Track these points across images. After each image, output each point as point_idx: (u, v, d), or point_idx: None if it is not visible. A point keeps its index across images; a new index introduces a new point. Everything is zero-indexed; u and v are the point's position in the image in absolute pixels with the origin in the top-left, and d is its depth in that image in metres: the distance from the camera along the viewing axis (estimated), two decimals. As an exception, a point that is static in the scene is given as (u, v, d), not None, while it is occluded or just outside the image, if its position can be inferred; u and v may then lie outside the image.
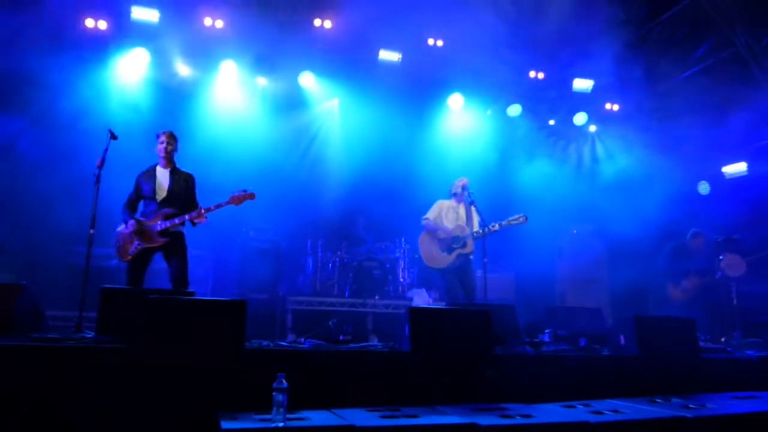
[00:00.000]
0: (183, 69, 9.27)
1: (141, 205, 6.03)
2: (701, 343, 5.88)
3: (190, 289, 5.56)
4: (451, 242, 7.20)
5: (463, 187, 7.36)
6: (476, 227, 7.23)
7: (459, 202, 7.45)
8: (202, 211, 5.80)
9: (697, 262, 8.49)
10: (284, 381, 3.22)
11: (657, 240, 9.01)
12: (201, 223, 5.90)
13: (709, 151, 9.55)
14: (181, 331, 4.02)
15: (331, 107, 10.42)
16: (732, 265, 8.18)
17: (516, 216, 7.07)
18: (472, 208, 7.32)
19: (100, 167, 5.47)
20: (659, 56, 9.37)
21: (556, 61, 9.71)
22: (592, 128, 11.06)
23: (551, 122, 11.00)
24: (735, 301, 8.18)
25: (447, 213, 7.39)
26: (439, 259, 7.25)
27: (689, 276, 8.34)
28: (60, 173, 7.86)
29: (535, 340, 5.71)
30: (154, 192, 5.89)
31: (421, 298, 8.93)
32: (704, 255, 8.55)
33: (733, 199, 9.50)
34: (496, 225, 7.02)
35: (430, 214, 7.40)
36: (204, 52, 9.06)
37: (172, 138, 6.06)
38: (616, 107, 10.73)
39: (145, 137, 6.63)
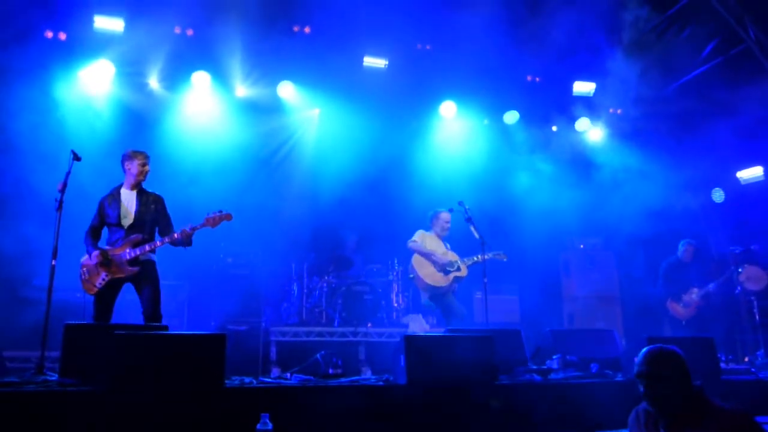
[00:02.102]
0: (151, 81, 9.26)
1: (106, 232, 5.98)
2: (722, 364, 5.89)
3: (164, 323, 5.52)
4: (445, 265, 7.51)
5: (446, 223, 7.71)
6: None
7: (438, 239, 7.77)
8: (186, 231, 5.74)
9: (693, 272, 8.58)
10: (269, 422, 3.19)
11: (670, 252, 9.03)
12: (183, 244, 5.83)
13: (722, 156, 9.61)
14: (154, 369, 3.98)
15: (313, 119, 10.42)
16: (752, 278, 8.24)
17: (497, 252, 7.57)
18: (448, 245, 7.77)
19: (62, 191, 5.43)
20: (665, 56, 9.46)
21: (555, 63, 9.78)
22: (596, 134, 11.12)
23: (554, 128, 11.06)
24: (757, 317, 8.23)
25: (429, 246, 7.65)
26: (438, 278, 7.52)
27: (688, 290, 8.42)
28: (15, 197, 7.78)
29: (543, 367, 5.69)
30: (119, 217, 5.84)
31: (418, 325, 8.89)
32: (698, 265, 8.70)
33: (751, 206, 9.56)
34: (483, 256, 7.25)
35: (417, 238, 7.69)
36: (174, 63, 9.05)
37: (149, 159, 6.04)
38: (620, 111, 10.80)
39: (110, 156, 6.59)
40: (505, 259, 7.61)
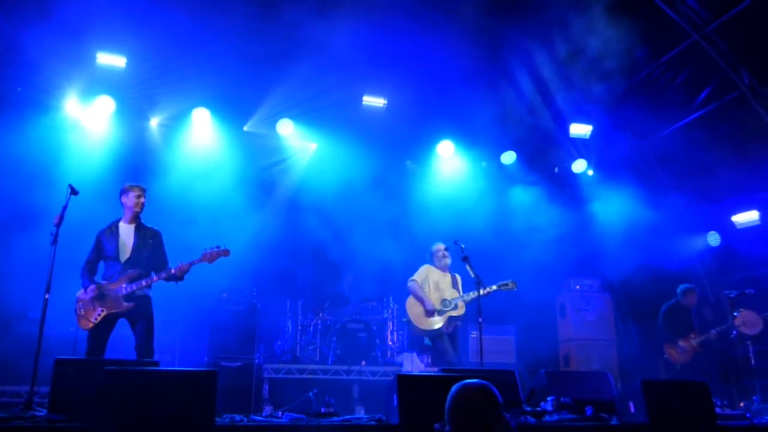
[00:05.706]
0: (150, 117, 9.37)
1: (102, 266, 5.98)
2: (717, 409, 5.84)
3: (155, 358, 5.48)
4: (433, 311, 7.28)
5: (442, 253, 7.50)
6: (460, 293, 7.41)
7: (443, 271, 7.57)
8: (183, 266, 5.76)
9: (693, 318, 8.59)
10: (258, 462, 3.15)
11: (667, 296, 9.02)
12: (178, 281, 5.85)
13: (718, 200, 9.66)
14: (144, 406, 3.94)
15: (311, 156, 10.49)
16: (748, 322, 8.21)
17: (505, 282, 7.30)
18: (458, 276, 7.55)
19: (58, 225, 5.43)
20: (660, 101, 9.57)
21: (551, 105, 9.90)
22: (591, 176, 11.20)
23: (556, 170, 11.17)
24: (753, 362, 8.18)
25: (431, 283, 7.48)
26: (430, 321, 7.29)
27: (686, 335, 8.41)
28: (10, 231, 7.78)
29: (537, 408, 5.64)
30: (117, 252, 5.85)
31: (412, 364, 8.83)
32: (698, 310, 8.69)
33: (746, 250, 9.57)
34: (488, 288, 7.13)
35: (418, 277, 7.49)
36: (174, 99, 9.17)
37: (145, 192, 6.08)
38: (617, 154, 10.88)
39: (108, 191, 6.62)
40: (514, 288, 7.32)
